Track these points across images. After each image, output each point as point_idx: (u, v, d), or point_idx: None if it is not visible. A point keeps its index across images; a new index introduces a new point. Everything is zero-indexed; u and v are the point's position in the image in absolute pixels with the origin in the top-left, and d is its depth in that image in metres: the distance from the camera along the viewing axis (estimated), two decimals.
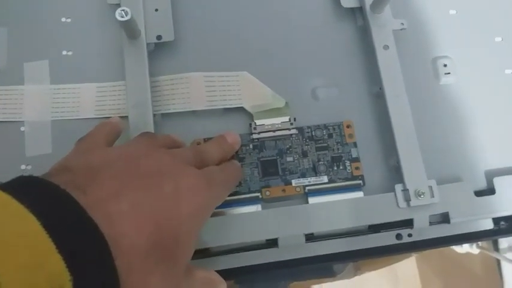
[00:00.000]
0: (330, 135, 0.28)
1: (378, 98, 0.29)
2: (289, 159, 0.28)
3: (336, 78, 0.30)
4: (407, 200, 0.26)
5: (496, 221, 0.27)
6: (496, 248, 0.51)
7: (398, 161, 0.26)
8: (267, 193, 0.27)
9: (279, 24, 0.31)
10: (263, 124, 0.28)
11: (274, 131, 0.28)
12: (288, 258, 0.26)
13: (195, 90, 0.28)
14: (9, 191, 0.14)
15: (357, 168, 0.27)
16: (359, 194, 0.27)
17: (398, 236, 0.27)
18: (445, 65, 0.30)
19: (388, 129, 0.27)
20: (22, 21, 0.30)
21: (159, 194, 0.18)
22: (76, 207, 0.15)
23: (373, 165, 0.28)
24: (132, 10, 0.26)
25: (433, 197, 0.26)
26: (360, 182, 0.27)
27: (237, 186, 0.27)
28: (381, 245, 0.27)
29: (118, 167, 0.18)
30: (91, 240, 0.15)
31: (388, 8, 0.29)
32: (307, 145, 0.28)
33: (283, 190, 0.27)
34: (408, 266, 0.68)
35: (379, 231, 0.27)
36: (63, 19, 0.31)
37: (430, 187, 0.26)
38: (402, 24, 0.29)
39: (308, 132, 0.28)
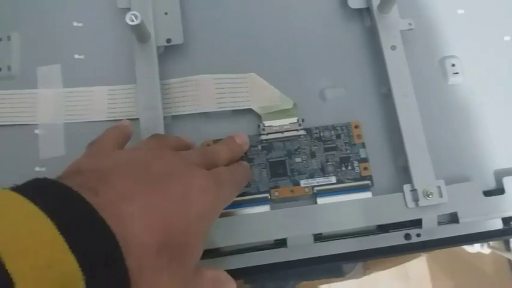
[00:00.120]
0: (338, 136, 0.28)
1: (386, 98, 0.29)
2: (298, 159, 0.28)
3: (343, 79, 0.30)
4: (416, 200, 0.26)
5: (506, 220, 0.27)
6: (508, 248, 0.51)
7: (406, 161, 0.26)
8: (276, 194, 0.27)
9: (286, 25, 0.31)
10: (271, 125, 0.28)
11: (282, 132, 0.28)
12: (297, 258, 0.26)
13: (204, 92, 0.29)
14: (24, 193, 0.15)
15: (365, 168, 0.28)
16: (367, 195, 0.27)
17: (407, 236, 0.27)
18: (453, 65, 0.30)
19: (396, 129, 0.27)
20: (34, 26, 0.31)
21: (169, 195, 0.18)
22: (88, 208, 0.15)
23: (382, 165, 0.28)
24: (142, 14, 0.26)
25: (442, 197, 0.26)
26: (369, 182, 0.27)
27: (245, 186, 0.27)
28: (389, 245, 0.27)
29: (128, 170, 0.19)
30: (103, 241, 0.15)
31: (395, 8, 0.29)
32: (316, 146, 0.28)
33: (292, 191, 0.27)
34: (419, 266, 0.67)
35: (387, 231, 0.27)
36: (75, 23, 0.31)
37: (439, 187, 0.26)
38: (410, 24, 0.29)
39: (316, 133, 0.28)
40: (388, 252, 0.27)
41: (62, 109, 0.29)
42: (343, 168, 0.28)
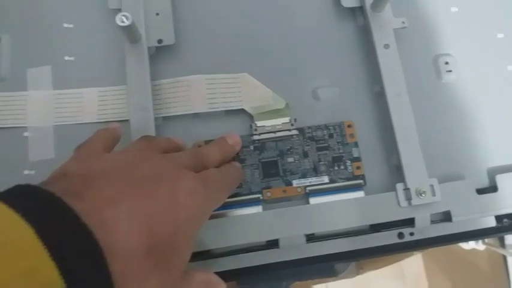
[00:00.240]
0: (331, 135, 0.28)
1: (379, 97, 0.29)
2: (290, 159, 0.28)
3: (336, 78, 0.30)
4: (409, 199, 0.26)
5: (499, 218, 0.27)
6: (502, 244, 0.51)
7: (399, 160, 0.26)
8: (268, 194, 0.27)
9: (278, 25, 0.31)
10: (264, 125, 0.28)
11: (274, 132, 0.28)
12: (289, 259, 0.26)
13: (196, 92, 0.28)
14: (4, 200, 0.15)
15: (358, 167, 0.27)
16: (360, 194, 0.27)
17: (400, 235, 0.27)
18: (447, 63, 0.30)
19: (389, 128, 0.27)
20: (24, 28, 0.31)
21: (156, 198, 0.18)
22: (71, 214, 0.15)
23: (375, 164, 0.28)
24: (133, 14, 0.26)
25: (435, 195, 0.26)
26: (361, 181, 0.27)
27: (237, 187, 0.27)
28: (382, 244, 0.27)
29: (115, 173, 0.18)
30: (85, 246, 0.15)
31: (388, 7, 0.29)
32: (308, 145, 0.28)
33: (284, 191, 0.27)
34: (414, 264, 0.67)
35: (380, 231, 0.27)
36: (65, 25, 0.31)
37: (432, 186, 0.26)
38: (403, 22, 0.29)
39: (309, 132, 0.28)
40: (381, 251, 0.27)
41: (52, 111, 0.29)
42: (336, 168, 0.27)
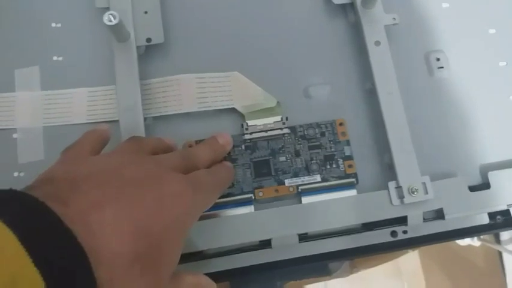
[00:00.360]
0: (323, 134, 0.28)
1: (371, 94, 0.29)
2: (282, 159, 0.27)
3: (328, 75, 0.30)
4: (401, 197, 0.26)
5: (492, 215, 0.27)
6: (498, 240, 0.51)
7: (391, 158, 0.26)
8: (260, 194, 0.27)
9: (269, 22, 0.31)
10: (255, 124, 0.28)
11: (266, 131, 0.28)
12: (282, 259, 0.26)
13: (186, 92, 0.28)
14: None
15: (350, 166, 0.27)
16: (352, 192, 0.27)
17: (394, 233, 0.27)
18: (438, 59, 0.30)
19: (381, 126, 0.27)
20: (12, 28, 0.30)
21: (142, 203, 0.18)
22: (54, 219, 0.15)
23: (367, 162, 0.28)
24: (121, 13, 0.26)
25: (427, 193, 0.25)
26: (353, 180, 0.27)
27: (229, 187, 0.26)
28: (376, 242, 0.27)
29: (101, 177, 0.18)
30: (69, 253, 0.15)
31: (379, 3, 0.29)
32: (300, 144, 0.28)
33: (276, 190, 0.27)
34: (411, 261, 0.67)
35: (373, 229, 0.26)
36: (53, 24, 0.31)
37: (424, 183, 0.26)
38: (394, 19, 0.29)
39: (300, 131, 0.28)
40: (374, 249, 0.27)
41: (41, 112, 0.28)
42: (328, 167, 0.27)
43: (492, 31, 0.31)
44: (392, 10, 0.29)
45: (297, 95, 0.29)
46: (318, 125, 0.28)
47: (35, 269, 0.13)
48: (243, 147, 0.28)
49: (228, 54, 0.30)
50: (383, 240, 0.26)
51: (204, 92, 0.28)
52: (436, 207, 0.26)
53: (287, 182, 0.27)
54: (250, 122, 0.28)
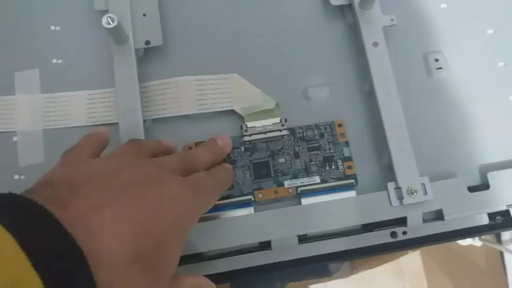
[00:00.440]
0: (322, 135, 0.28)
1: (369, 95, 0.29)
2: (281, 160, 0.27)
3: (327, 77, 0.30)
4: (400, 198, 0.26)
5: (492, 215, 0.27)
6: (499, 240, 0.51)
7: (390, 159, 0.26)
8: (260, 195, 0.27)
9: (267, 24, 0.31)
10: (254, 126, 0.28)
11: (265, 132, 0.28)
12: (282, 260, 0.26)
13: (185, 94, 0.28)
14: None
15: (349, 167, 0.27)
16: (352, 194, 0.27)
17: (393, 234, 0.27)
18: (437, 60, 0.30)
19: (380, 127, 0.27)
20: (11, 31, 0.30)
21: (141, 205, 0.18)
22: (54, 222, 0.15)
23: (366, 163, 0.28)
24: (120, 16, 0.26)
25: (426, 194, 0.25)
26: (353, 181, 0.27)
27: (229, 189, 0.27)
28: (375, 243, 0.26)
29: (100, 180, 0.18)
30: (69, 256, 0.15)
31: (377, 4, 0.29)
32: (299, 146, 0.28)
33: (276, 192, 0.27)
34: (413, 261, 0.67)
35: (373, 230, 0.27)
36: (52, 27, 0.31)
37: (423, 184, 0.26)
38: (392, 20, 0.29)
39: (300, 132, 0.28)
40: (374, 250, 0.27)
41: (41, 115, 0.28)
42: (327, 168, 0.27)
43: (490, 31, 0.31)
44: (390, 11, 0.29)
45: (296, 97, 0.29)
46: (317, 127, 0.28)
47: (35, 273, 0.13)
48: (243, 149, 0.28)
49: (226, 57, 0.30)
50: (383, 241, 0.26)
51: (203, 94, 0.28)
52: (436, 208, 0.26)
53: (286, 183, 0.27)
54: (249, 124, 0.28)
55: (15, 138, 0.28)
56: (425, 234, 0.27)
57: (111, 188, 0.18)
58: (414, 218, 0.26)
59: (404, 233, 0.27)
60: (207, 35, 0.30)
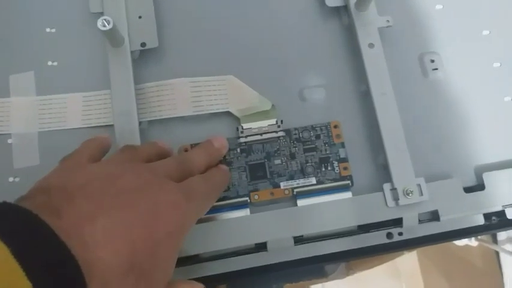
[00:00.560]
0: (318, 136, 0.28)
1: (365, 96, 0.29)
2: (277, 161, 0.27)
3: (322, 78, 0.30)
4: (396, 199, 0.26)
5: (488, 216, 0.27)
6: (495, 240, 0.51)
7: (385, 160, 0.26)
8: (256, 197, 0.27)
9: (263, 26, 0.31)
10: (250, 128, 0.28)
11: (261, 134, 0.28)
12: (278, 261, 0.26)
13: (180, 96, 0.28)
14: None
15: (345, 168, 0.27)
16: (347, 195, 0.27)
17: (389, 235, 0.27)
18: (433, 61, 0.30)
19: (376, 127, 0.27)
20: (6, 33, 0.30)
21: (135, 213, 0.18)
22: (47, 231, 0.15)
23: (362, 164, 0.28)
24: (115, 18, 0.26)
25: (422, 195, 0.26)
26: (348, 182, 0.27)
27: (225, 190, 0.27)
28: (371, 244, 0.27)
29: (94, 187, 0.18)
30: (62, 265, 0.14)
31: (373, 6, 0.29)
32: (295, 147, 0.28)
33: (272, 193, 0.27)
34: (409, 261, 0.68)
35: (369, 231, 0.27)
36: (48, 29, 0.31)
37: (419, 185, 0.26)
38: (388, 21, 0.29)
39: (295, 134, 0.28)
40: (370, 251, 0.27)
41: (36, 117, 0.28)
42: (323, 169, 0.27)
43: (486, 32, 0.31)
44: (386, 12, 0.29)
45: (292, 98, 0.29)
46: (313, 128, 0.28)
47: (28, 282, 0.13)
48: (238, 150, 0.28)
49: (222, 58, 0.30)
50: (378, 242, 0.27)
51: (199, 95, 0.28)
52: (431, 208, 0.26)
53: (282, 184, 0.27)
54: (245, 125, 0.28)
55: (10, 141, 0.28)
56: (421, 234, 0.27)
57: (106, 195, 0.18)
58: (410, 219, 0.26)
59: (400, 233, 0.27)
60: (202, 37, 0.30)
